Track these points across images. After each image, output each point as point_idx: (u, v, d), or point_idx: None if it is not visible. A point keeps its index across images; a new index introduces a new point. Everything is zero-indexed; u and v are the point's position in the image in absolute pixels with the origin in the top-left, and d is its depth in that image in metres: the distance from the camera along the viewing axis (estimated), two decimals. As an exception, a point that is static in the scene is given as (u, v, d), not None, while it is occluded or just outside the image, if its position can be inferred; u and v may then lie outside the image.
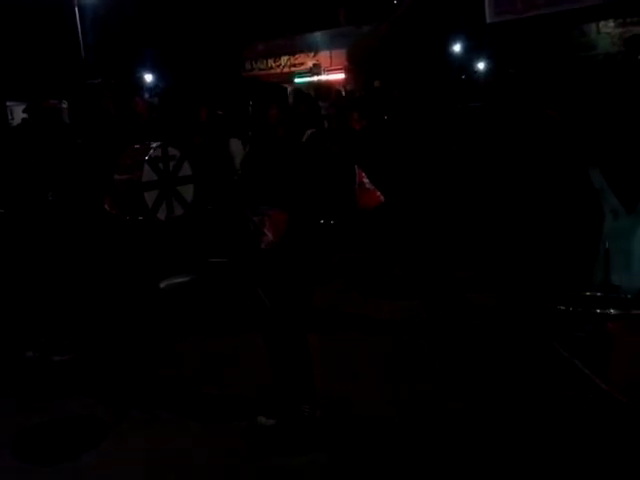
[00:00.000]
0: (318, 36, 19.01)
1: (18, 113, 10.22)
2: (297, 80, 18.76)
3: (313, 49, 19.12)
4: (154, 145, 4.53)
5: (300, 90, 6.72)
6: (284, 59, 20.07)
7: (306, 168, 3.26)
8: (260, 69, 20.59)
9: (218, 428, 3.47)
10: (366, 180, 4.78)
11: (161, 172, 4.25)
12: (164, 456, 3.26)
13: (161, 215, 4.27)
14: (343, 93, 10.50)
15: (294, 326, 3.33)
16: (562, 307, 2.31)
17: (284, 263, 3.23)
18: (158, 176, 4.25)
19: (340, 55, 18.04)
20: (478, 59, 14.67)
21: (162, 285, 4.95)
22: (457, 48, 15.65)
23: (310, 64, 18.92)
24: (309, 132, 3.93)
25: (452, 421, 3.39)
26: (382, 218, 5.03)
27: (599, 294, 2.41)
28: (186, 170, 4.65)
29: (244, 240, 3.29)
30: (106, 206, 4.69)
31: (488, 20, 10.15)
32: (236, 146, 6.00)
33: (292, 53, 19.79)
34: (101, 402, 3.81)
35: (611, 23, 12.32)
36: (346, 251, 6.23)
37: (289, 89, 7.81)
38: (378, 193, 4.75)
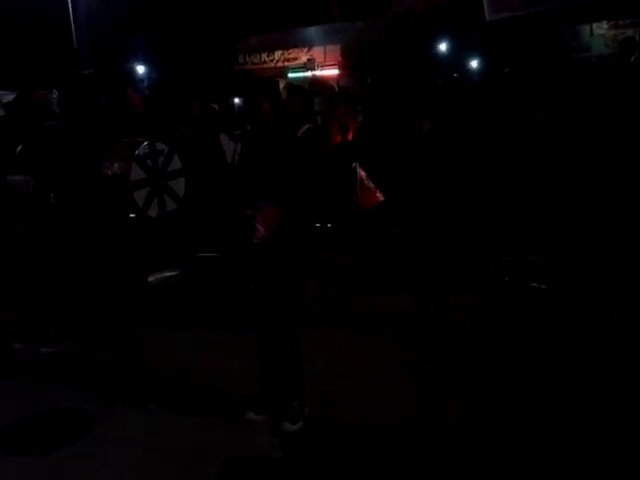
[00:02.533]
0: (312, 31, 18.95)
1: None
2: (291, 75, 18.70)
3: (307, 44, 19.06)
4: (141, 141, 4.46)
5: (294, 85, 6.68)
6: (278, 53, 20.00)
7: (300, 163, 3.24)
8: (254, 63, 20.51)
9: (206, 423, 3.45)
10: (366, 179, 4.78)
11: (150, 169, 4.20)
12: (148, 451, 3.23)
13: (152, 212, 4.23)
14: (336, 89, 10.46)
15: (285, 322, 3.32)
16: None
17: (276, 258, 3.21)
18: (147, 173, 4.19)
19: (334, 51, 18.01)
20: (471, 58, 14.67)
21: (150, 279, 4.90)
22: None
23: (304, 59, 18.86)
24: (305, 128, 3.89)
25: (444, 420, 3.39)
26: (379, 214, 5.02)
27: None
28: (176, 164, 4.60)
29: (236, 234, 3.26)
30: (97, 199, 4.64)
31: (487, 18, 10.15)
32: (225, 141, 5.95)
33: (286, 48, 19.72)
34: (88, 395, 3.78)
35: (604, 25, 12.39)
36: (337, 247, 6.21)
37: (282, 83, 7.76)
38: (378, 193, 4.75)
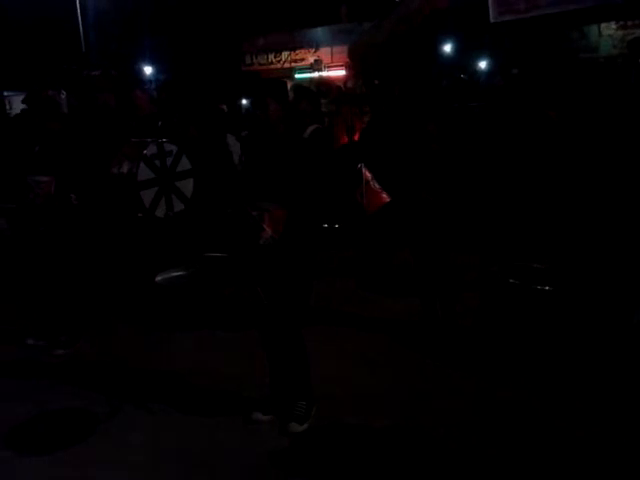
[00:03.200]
0: (319, 32, 18.98)
1: (17, 103, 10.17)
2: (298, 76, 18.73)
3: (314, 45, 19.08)
4: (150, 141, 4.43)
5: (301, 86, 6.69)
6: (285, 54, 20.03)
7: (307, 164, 3.24)
8: (260, 64, 20.55)
9: (213, 423, 3.45)
10: (372, 180, 4.77)
11: (158, 169, 4.20)
12: (153, 452, 3.23)
13: (159, 212, 4.22)
14: (343, 90, 10.47)
15: (292, 322, 3.32)
16: None
17: (283, 259, 3.21)
18: (155, 173, 4.18)
19: (341, 51, 17.98)
20: (479, 59, 14.64)
21: (158, 279, 4.88)
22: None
23: (311, 60, 18.87)
24: (311, 128, 3.87)
25: (449, 419, 3.39)
26: (384, 216, 5.02)
27: None
28: (185, 164, 4.59)
29: (243, 235, 3.26)
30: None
31: (491, 20, 10.11)
32: (233, 142, 5.96)
33: (293, 48, 19.75)
34: (94, 396, 3.78)
35: (613, 25, 12.33)
36: (345, 248, 6.21)
37: (289, 84, 7.78)
38: (384, 194, 4.74)
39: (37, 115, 4.40)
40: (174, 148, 4.31)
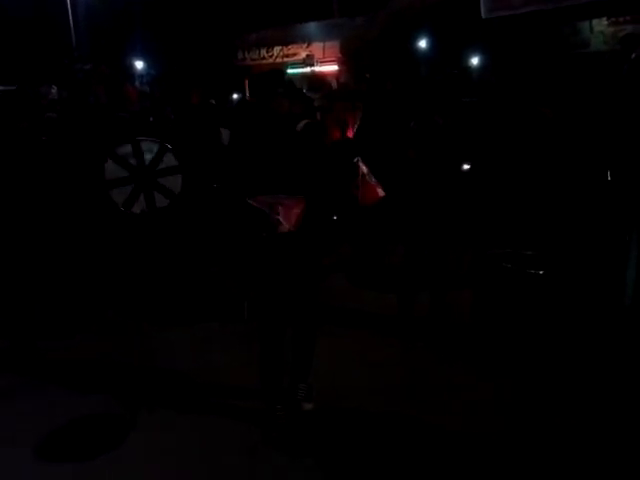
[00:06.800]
0: (311, 27, 18.94)
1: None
2: (290, 71, 18.67)
3: (306, 40, 19.05)
4: (125, 141, 4.34)
5: (292, 82, 6.66)
6: (277, 49, 19.98)
7: (313, 158, 3.21)
8: (252, 59, 20.50)
9: (213, 421, 3.39)
10: (368, 174, 4.77)
11: (133, 167, 4.13)
12: (154, 450, 3.19)
13: (136, 209, 4.16)
14: (334, 85, 10.45)
15: (313, 313, 3.38)
16: None
17: (302, 252, 3.20)
18: (130, 172, 4.12)
19: (333, 46, 18.00)
20: (471, 55, 14.67)
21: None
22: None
23: (303, 55, 18.84)
24: (304, 122, 3.83)
25: (443, 416, 3.39)
26: (379, 210, 5.01)
27: None
28: (170, 161, 4.51)
29: (253, 227, 3.18)
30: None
31: (483, 15, 10.15)
32: (226, 136, 5.93)
33: (285, 43, 19.70)
34: (117, 399, 3.65)
35: (604, 21, 12.39)
36: (340, 243, 6.19)
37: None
38: (379, 189, 4.74)
39: (10, 113, 4.31)
40: (154, 146, 4.23)
